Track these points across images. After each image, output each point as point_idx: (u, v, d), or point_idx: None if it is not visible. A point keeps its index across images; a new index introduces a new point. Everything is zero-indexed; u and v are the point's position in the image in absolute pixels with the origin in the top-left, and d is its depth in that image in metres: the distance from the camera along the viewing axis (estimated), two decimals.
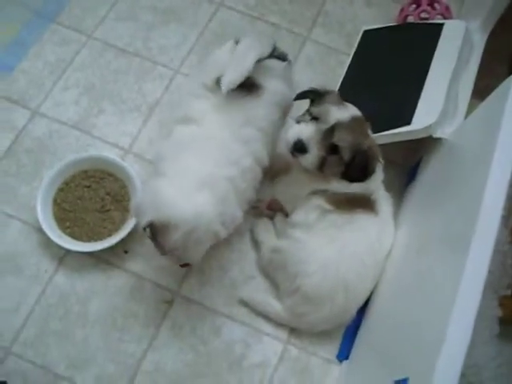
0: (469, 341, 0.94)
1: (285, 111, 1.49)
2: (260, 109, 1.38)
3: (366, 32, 1.85)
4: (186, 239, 1.21)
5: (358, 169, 1.36)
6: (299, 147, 1.35)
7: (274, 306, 1.47)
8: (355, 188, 1.41)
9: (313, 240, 1.42)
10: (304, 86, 1.47)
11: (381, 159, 1.42)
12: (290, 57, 1.58)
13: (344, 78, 1.72)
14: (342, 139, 1.33)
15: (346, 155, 1.34)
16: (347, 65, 1.76)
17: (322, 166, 1.37)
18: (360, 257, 1.40)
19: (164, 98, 1.73)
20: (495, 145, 1.09)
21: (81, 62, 1.77)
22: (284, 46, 1.67)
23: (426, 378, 0.95)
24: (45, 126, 1.67)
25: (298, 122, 1.39)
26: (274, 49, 1.46)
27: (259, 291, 1.50)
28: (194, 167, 1.26)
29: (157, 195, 1.22)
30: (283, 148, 1.41)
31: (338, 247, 1.39)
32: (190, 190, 1.23)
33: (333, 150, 1.34)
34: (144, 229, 1.24)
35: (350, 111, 1.37)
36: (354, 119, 1.36)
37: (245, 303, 1.49)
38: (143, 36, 1.83)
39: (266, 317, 1.49)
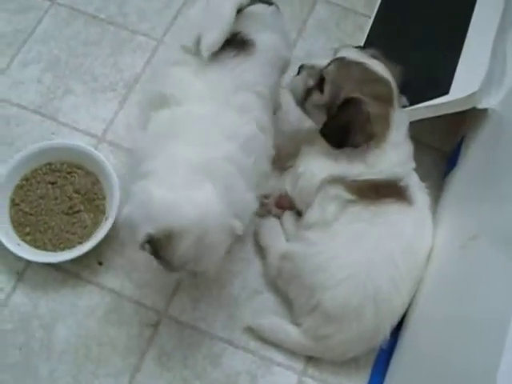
0: None
1: (281, 73, 1.29)
2: (254, 71, 1.17)
3: None
4: (197, 247, 1.03)
5: (339, 122, 1.19)
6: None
7: (290, 332, 1.24)
8: (380, 171, 1.20)
9: (333, 241, 1.20)
10: (318, 55, 1.34)
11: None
12: (299, 21, 1.40)
13: (365, 44, 1.50)
14: (330, 72, 1.21)
15: (327, 93, 1.21)
16: (368, 28, 1.54)
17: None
18: (394, 259, 1.18)
19: (145, 74, 1.53)
20: None
21: (43, 32, 1.58)
22: (289, 8, 1.48)
23: None
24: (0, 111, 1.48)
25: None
26: None
27: (269, 314, 1.29)
28: (182, 155, 1.07)
29: (148, 201, 1.04)
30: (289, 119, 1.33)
31: (365, 248, 1.18)
32: (185, 186, 1.04)
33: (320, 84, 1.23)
34: (142, 247, 1.06)
35: (370, 62, 1.21)
36: (364, 67, 1.20)
37: (252, 331, 1.27)
38: None
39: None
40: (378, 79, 1.20)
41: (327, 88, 1.20)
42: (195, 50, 1.16)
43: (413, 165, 1.25)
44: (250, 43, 1.18)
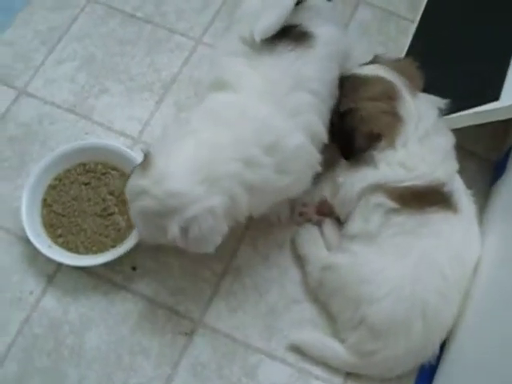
0: None
1: (341, 68, 1.26)
2: (312, 65, 1.15)
3: None
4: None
5: (342, 136, 1.21)
6: None
7: (335, 349, 1.20)
8: (420, 175, 1.17)
9: (378, 253, 1.16)
10: (359, 60, 1.32)
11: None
12: (341, 24, 1.38)
13: (409, 49, 1.48)
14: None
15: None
16: (412, 32, 1.51)
17: None
18: (441, 271, 1.14)
19: (183, 74, 1.50)
20: None
21: (78, 30, 1.56)
22: None
23: None
24: (33, 109, 1.45)
25: None
26: None
27: (308, 325, 1.25)
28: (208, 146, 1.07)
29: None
30: None
31: (412, 261, 1.14)
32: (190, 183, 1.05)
33: None
34: None
35: (361, 68, 1.26)
36: (354, 76, 1.24)
37: (296, 348, 1.22)
38: None
39: None
40: (370, 80, 1.21)
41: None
42: (254, 40, 1.14)
43: (455, 165, 1.22)
44: (310, 36, 1.16)
